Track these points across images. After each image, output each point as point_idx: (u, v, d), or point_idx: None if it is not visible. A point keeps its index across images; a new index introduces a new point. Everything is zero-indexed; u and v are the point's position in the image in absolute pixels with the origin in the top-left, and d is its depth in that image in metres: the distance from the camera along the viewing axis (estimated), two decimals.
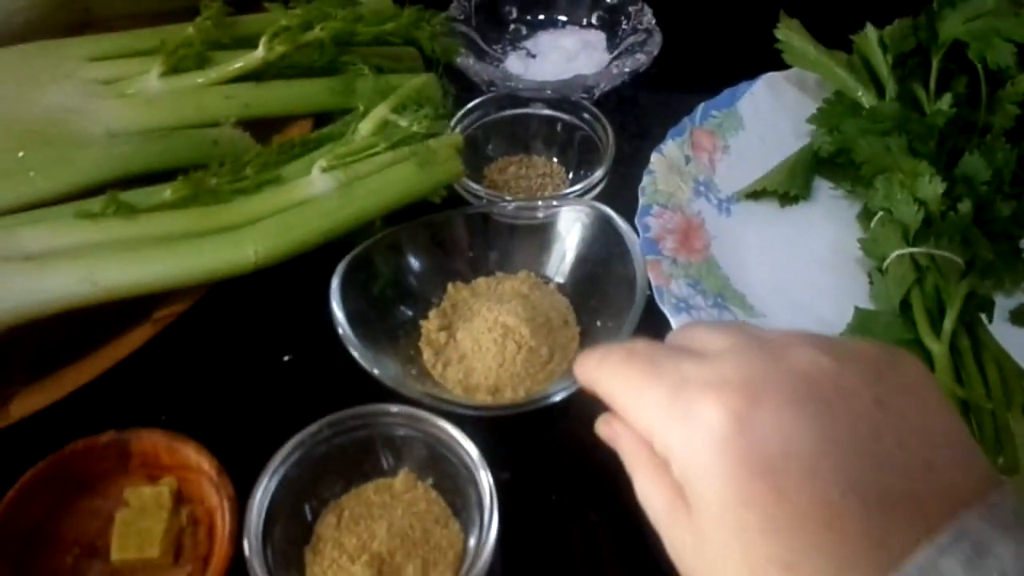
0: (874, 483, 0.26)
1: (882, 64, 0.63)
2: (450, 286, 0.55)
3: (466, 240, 0.56)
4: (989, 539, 0.25)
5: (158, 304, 0.50)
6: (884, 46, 0.63)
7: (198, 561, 0.44)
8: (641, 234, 0.56)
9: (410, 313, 0.53)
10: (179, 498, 0.46)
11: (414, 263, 0.54)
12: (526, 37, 0.77)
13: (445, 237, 0.55)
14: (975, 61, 0.60)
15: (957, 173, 0.56)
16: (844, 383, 0.28)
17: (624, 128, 0.68)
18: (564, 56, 0.73)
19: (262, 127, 0.59)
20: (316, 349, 0.53)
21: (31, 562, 0.44)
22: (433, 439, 0.45)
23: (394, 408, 0.46)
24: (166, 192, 0.51)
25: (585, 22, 0.77)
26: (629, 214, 0.57)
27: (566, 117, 0.65)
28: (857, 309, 0.53)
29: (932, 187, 0.54)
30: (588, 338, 0.52)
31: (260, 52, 0.58)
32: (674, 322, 0.51)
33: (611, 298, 0.52)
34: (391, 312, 0.53)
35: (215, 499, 0.45)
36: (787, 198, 0.62)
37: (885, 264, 0.54)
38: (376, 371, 0.47)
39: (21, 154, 0.52)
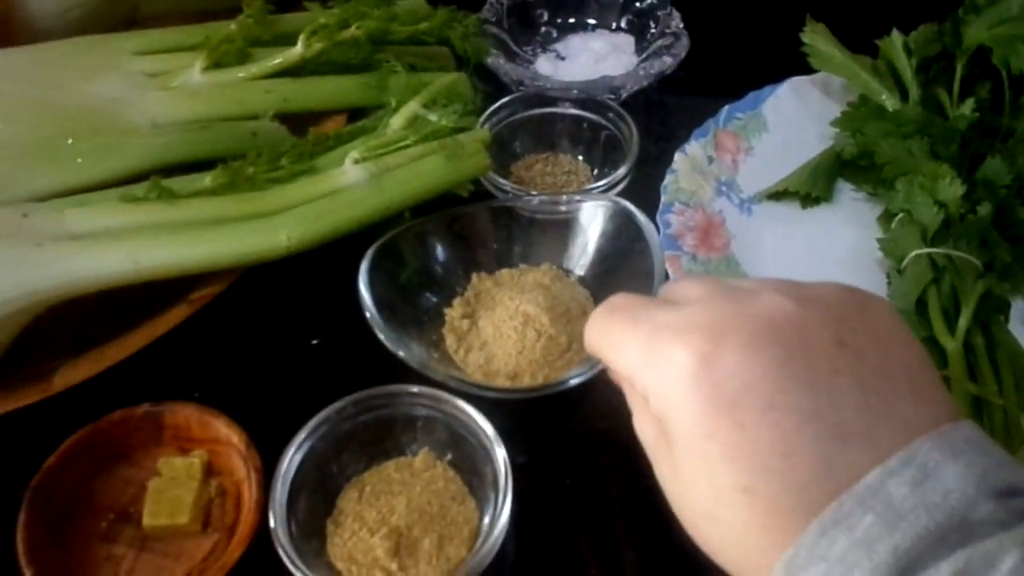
0: (830, 417, 0.27)
1: (907, 68, 0.63)
2: (474, 276, 0.57)
3: (491, 232, 0.57)
4: (936, 462, 0.26)
5: (194, 286, 0.52)
6: (909, 51, 0.64)
7: (225, 530, 0.46)
8: (661, 230, 0.57)
9: (434, 300, 0.55)
10: (209, 470, 0.48)
11: (440, 252, 0.56)
12: (556, 40, 0.78)
13: (470, 229, 0.57)
14: (999, 66, 0.60)
15: (978, 176, 0.57)
16: (806, 325, 0.29)
17: (650, 130, 0.70)
18: (593, 58, 0.74)
19: (299, 121, 0.61)
20: (343, 334, 0.54)
21: (68, 525, 0.46)
22: (452, 419, 0.47)
23: (415, 388, 0.47)
24: (206, 179, 0.54)
25: (614, 26, 0.79)
26: (652, 212, 0.58)
27: (592, 116, 0.66)
28: None
29: (952, 189, 0.55)
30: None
31: (299, 49, 0.61)
32: None
33: (629, 290, 0.52)
34: (416, 299, 0.55)
35: (243, 471, 0.47)
36: (809, 199, 0.63)
37: (903, 264, 0.55)
38: (401, 353, 0.49)
39: (70, 141, 0.54)
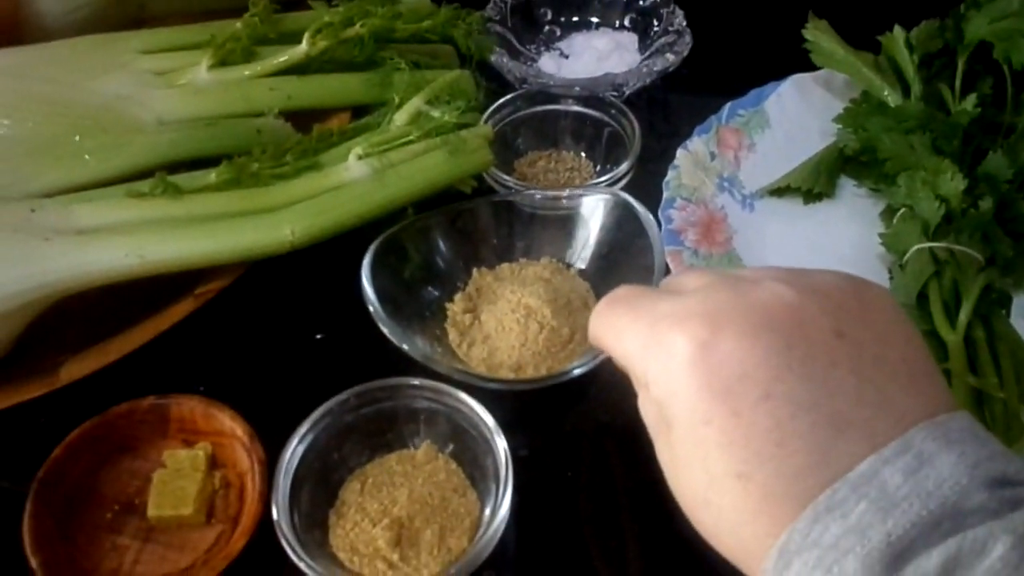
0: (825, 407, 0.27)
1: (908, 64, 0.63)
2: (475, 271, 0.57)
3: (492, 227, 0.58)
4: (931, 451, 0.26)
5: (200, 280, 0.53)
6: (911, 47, 0.64)
7: (229, 521, 0.47)
8: (664, 226, 0.58)
9: (436, 294, 0.56)
10: (213, 462, 0.49)
11: (442, 247, 0.57)
12: (560, 38, 0.79)
13: (472, 223, 0.57)
14: (1000, 62, 0.60)
15: (980, 171, 0.57)
16: (805, 314, 0.29)
17: (653, 127, 0.70)
18: (596, 56, 0.75)
19: (303, 118, 0.62)
20: (347, 328, 0.55)
21: (73, 516, 0.47)
22: (454, 411, 0.47)
23: (417, 381, 0.48)
24: (211, 175, 0.54)
25: (618, 24, 0.79)
26: (654, 208, 0.58)
27: (594, 113, 0.67)
28: None
29: (954, 184, 0.55)
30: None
31: (303, 47, 0.61)
32: None
33: (630, 282, 0.53)
34: (419, 293, 0.55)
35: (246, 463, 0.48)
36: (811, 195, 0.63)
37: (905, 259, 0.55)
38: (405, 346, 0.49)
39: (77, 138, 0.55)
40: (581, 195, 0.57)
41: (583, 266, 0.57)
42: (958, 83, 0.62)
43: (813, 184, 0.63)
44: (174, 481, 0.47)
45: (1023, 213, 0.56)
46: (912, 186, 0.57)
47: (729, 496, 0.28)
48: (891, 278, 0.57)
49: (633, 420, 0.35)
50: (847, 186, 0.65)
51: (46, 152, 0.54)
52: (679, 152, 0.63)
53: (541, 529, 0.48)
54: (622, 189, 0.60)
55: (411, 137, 0.56)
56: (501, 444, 0.45)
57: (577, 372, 0.49)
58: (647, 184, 0.62)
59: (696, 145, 0.64)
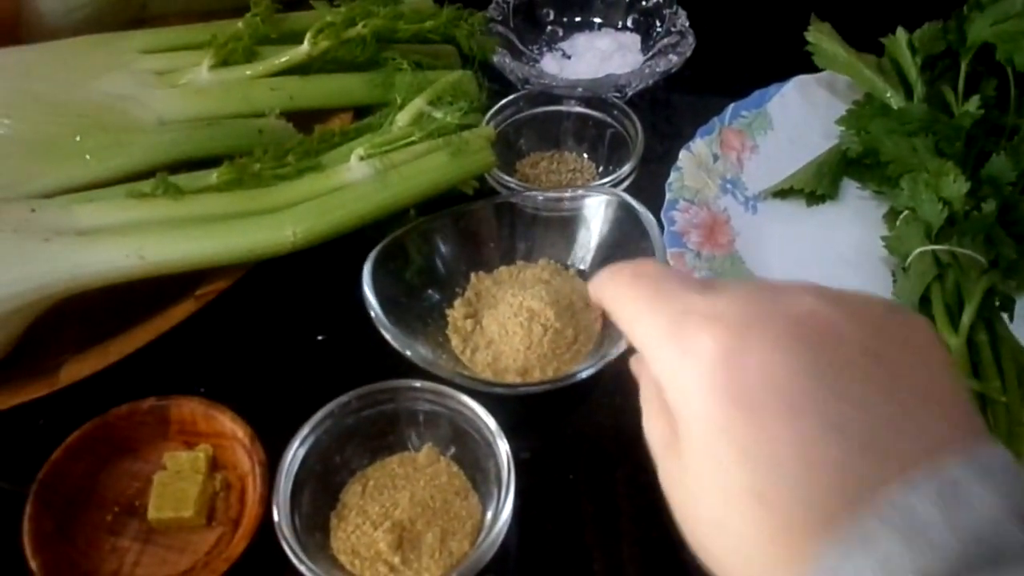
0: (855, 427, 0.26)
1: (911, 66, 0.63)
2: (473, 276, 0.57)
3: (494, 229, 0.58)
4: (966, 484, 0.24)
5: (201, 281, 0.53)
6: (913, 49, 0.64)
7: (229, 523, 0.47)
8: (666, 228, 0.58)
9: (437, 298, 0.55)
10: (214, 464, 0.49)
11: (444, 250, 0.56)
12: (562, 39, 0.79)
13: (475, 226, 0.57)
14: (1003, 63, 0.60)
15: (983, 174, 0.57)
16: (839, 331, 0.28)
17: (656, 128, 0.70)
18: (599, 57, 0.74)
19: (305, 118, 0.61)
20: (348, 330, 0.55)
21: (74, 518, 0.47)
22: (456, 414, 0.47)
23: (418, 384, 0.48)
24: (212, 176, 0.54)
25: (620, 24, 0.79)
26: (657, 210, 0.58)
27: (597, 114, 0.66)
28: None
29: (956, 186, 0.55)
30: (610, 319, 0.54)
31: (305, 47, 0.61)
32: None
33: None
34: (421, 298, 0.55)
35: (247, 465, 0.47)
36: (814, 197, 0.63)
37: (908, 261, 0.55)
38: (408, 352, 0.49)
39: (78, 138, 0.55)
40: (583, 196, 0.57)
41: (583, 267, 0.57)
42: (961, 85, 0.62)
43: (816, 186, 0.63)
44: (174, 483, 0.47)
45: None
46: (915, 188, 0.57)
47: (744, 517, 0.26)
48: (894, 281, 0.57)
49: (635, 423, 0.34)
50: (850, 188, 0.65)
51: (46, 152, 0.54)
52: (682, 154, 0.63)
53: (543, 532, 0.48)
54: (624, 190, 0.60)
55: (413, 138, 0.56)
56: (503, 447, 0.45)
57: (585, 375, 0.48)
58: (650, 186, 0.62)
59: (699, 147, 0.64)
